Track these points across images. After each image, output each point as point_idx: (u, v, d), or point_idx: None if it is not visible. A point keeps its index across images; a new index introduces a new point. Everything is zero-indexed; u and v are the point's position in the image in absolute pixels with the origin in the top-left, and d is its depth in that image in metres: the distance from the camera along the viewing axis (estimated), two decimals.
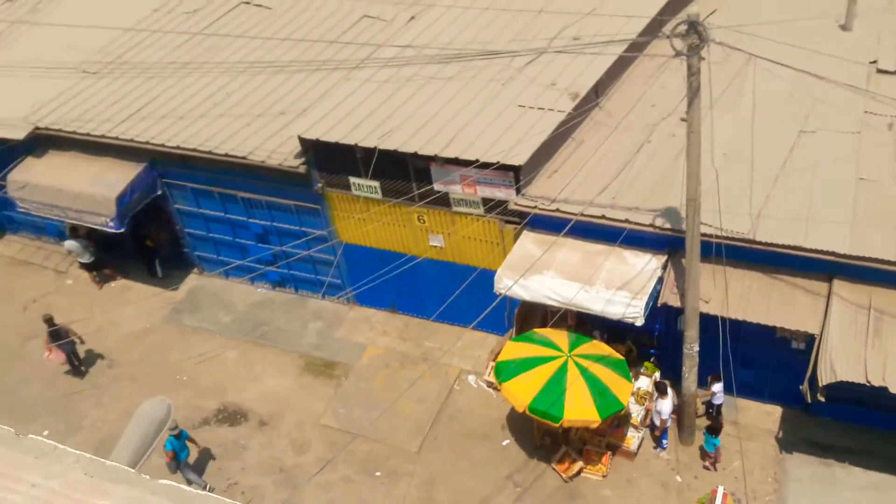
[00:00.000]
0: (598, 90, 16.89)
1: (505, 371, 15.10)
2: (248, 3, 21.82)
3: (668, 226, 14.53)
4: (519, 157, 14.95)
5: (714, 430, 15.15)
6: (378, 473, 16.33)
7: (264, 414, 17.76)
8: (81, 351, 19.21)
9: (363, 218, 17.56)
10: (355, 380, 18.14)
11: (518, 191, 15.50)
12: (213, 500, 3.50)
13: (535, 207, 15.30)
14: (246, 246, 19.97)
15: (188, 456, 16.11)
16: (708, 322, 14.26)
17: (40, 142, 19.77)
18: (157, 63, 20.41)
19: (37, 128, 19.45)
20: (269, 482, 16.43)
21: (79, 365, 19.12)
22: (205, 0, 22.27)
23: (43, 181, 19.30)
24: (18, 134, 19.33)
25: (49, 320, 18.41)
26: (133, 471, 3.80)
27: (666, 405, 15.35)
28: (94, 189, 18.69)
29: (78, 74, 20.63)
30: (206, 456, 16.98)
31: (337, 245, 18.48)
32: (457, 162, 15.45)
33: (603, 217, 14.86)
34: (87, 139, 19.08)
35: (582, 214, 14.66)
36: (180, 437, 15.75)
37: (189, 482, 15.89)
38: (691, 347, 14.70)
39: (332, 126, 16.60)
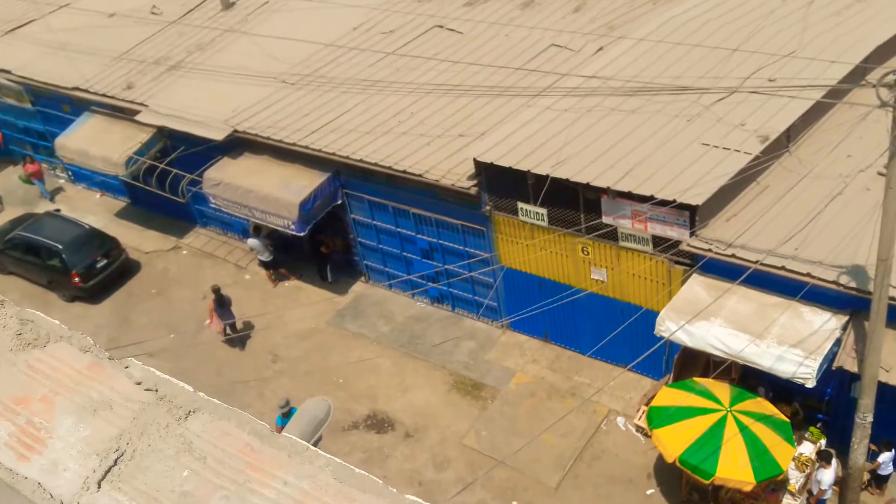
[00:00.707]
0: (791, 135, 16.05)
1: (658, 417, 14.53)
2: (441, 27, 22.49)
3: (853, 284, 13.50)
4: (697, 197, 14.41)
5: None
6: (515, 503, 16.11)
7: (410, 426, 18.03)
8: (239, 323, 20.65)
9: (527, 244, 17.53)
10: (501, 404, 18.06)
11: (692, 232, 14.95)
12: None
13: (710, 251, 14.67)
14: (411, 260, 20.46)
15: None
16: (885, 391, 13.14)
17: (236, 144, 21.18)
18: (350, 79, 21.41)
19: (235, 131, 20.86)
20: (408, 494, 16.57)
21: (234, 336, 20.47)
22: (401, 21, 23.18)
23: (235, 181, 20.66)
24: (218, 135, 20.80)
25: (217, 290, 19.90)
26: (381, 482, 3.77)
27: (828, 475, 14.20)
28: (280, 193, 19.79)
29: (277, 84, 22.00)
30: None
31: (498, 269, 18.55)
32: (630, 196, 15.12)
33: (783, 268, 14.01)
34: (279, 145, 20.25)
35: (760, 263, 13.90)
36: (289, 416, 16.17)
37: None
38: (864, 417, 13.54)
39: (508, 151, 16.72)
